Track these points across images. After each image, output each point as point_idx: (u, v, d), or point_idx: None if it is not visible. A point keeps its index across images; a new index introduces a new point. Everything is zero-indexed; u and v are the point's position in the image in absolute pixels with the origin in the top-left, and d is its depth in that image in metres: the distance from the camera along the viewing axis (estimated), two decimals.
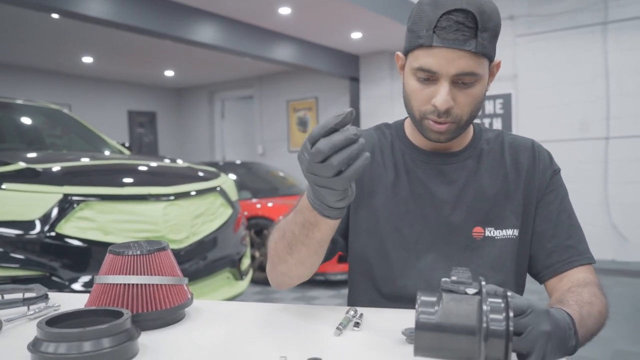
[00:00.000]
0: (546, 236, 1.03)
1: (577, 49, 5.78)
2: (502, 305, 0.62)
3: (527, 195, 1.03)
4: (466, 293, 0.64)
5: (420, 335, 0.63)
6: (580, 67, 5.77)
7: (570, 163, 5.26)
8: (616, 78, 5.59)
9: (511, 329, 0.60)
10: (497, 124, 6.28)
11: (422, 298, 0.65)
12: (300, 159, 0.72)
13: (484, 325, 0.60)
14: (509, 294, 0.63)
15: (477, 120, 1.07)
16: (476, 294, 0.64)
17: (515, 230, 1.01)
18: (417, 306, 0.64)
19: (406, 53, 0.98)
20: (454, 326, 0.62)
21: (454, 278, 0.65)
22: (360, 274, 1.08)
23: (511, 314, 0.61)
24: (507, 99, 6.23)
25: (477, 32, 0.88)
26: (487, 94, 1.01)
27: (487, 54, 0.91)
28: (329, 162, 0.68)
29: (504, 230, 1.01)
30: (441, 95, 0.91)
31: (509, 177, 1.04)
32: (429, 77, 0.93)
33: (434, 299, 0.64)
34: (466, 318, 0.62)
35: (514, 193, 1.03)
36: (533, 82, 6.03)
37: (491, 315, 0.61)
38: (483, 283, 0.64)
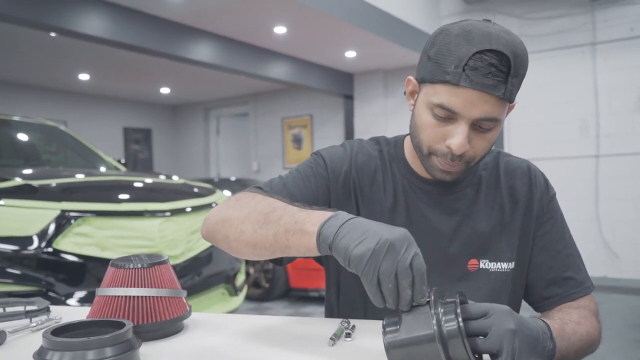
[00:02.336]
0: (544, 267, 1.01)
1: (567, 69, 5.88)
2: (452, 307, 0.64)
3: (524, 226, 1.01)
4: (419, 304, 0.66)
5: (392, 354, 0.66)
6: (570, 86, 5.87)
7: (561, 181, 5.31)
8: (605, 97, 5.69)
9: (461, 324, 0.62)
10: None
11: (386, 320, 0.68)
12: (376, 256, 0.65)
13: (435, 328, 0.63)
14: (458, 300, 0.66)
15: None
16: (428, 302, 0.66)
17: (510, 263, 0.99)
18: (382, 329, 0.67)
19: (422, 81, 0.91)
20: (416, 338, 0.65)
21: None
22: (351, 293, 1.05)
23: (458, 310, 0.63)
24: None
25: (508, 78, 0.83)
26: None
27: (512, 99, 0.88)
28: (385, 288, 0.65)
29: (498, 263, 0.99)
30: (458, 138, 0.86)
31: (505, 208, 1.01)
32: (448, 117, 0.87)
33: (395, 318, 0.67)
34: (424, 327, 0.64)
35: (510, 225, 1.01)
36: (524, 101, 6.10)
37: (443, 318, 0.64)
38: (434, 288, 0.67)
